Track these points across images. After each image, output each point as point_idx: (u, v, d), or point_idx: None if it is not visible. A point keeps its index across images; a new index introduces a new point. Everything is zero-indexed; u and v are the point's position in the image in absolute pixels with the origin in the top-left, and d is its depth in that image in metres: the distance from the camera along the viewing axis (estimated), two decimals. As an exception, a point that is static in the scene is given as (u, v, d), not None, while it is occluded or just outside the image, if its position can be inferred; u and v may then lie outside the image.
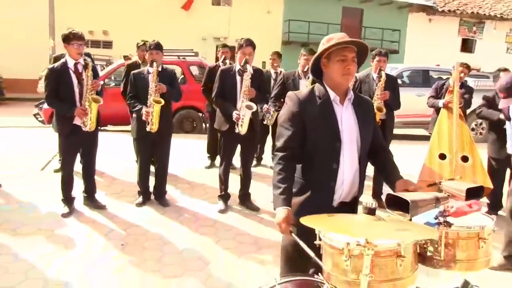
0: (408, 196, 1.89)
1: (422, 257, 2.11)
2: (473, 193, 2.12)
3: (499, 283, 3.93)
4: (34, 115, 10.70)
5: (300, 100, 2.50)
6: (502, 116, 5.04)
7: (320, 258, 2.07)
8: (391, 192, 2.05)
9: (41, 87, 15.11)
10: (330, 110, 2.47)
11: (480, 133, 11.17)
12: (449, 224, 2.01)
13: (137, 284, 3.62)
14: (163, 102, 4.97)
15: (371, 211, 1.73)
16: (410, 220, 2.04)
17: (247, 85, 4.95)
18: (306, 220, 1.79)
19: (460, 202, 2.10)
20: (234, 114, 4.95)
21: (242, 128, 4.97)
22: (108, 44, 21.39)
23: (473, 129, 11.09)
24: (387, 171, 2.56)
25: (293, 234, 2.21)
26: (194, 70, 10.79)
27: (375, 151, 2.62)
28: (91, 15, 20.07)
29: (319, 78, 2.55)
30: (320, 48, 2.48)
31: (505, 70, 5.30)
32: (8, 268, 3.76)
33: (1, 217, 4.77)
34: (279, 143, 2.52)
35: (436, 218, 2.02)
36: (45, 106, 9.89)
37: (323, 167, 2.48)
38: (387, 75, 5.68)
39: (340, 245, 1.89)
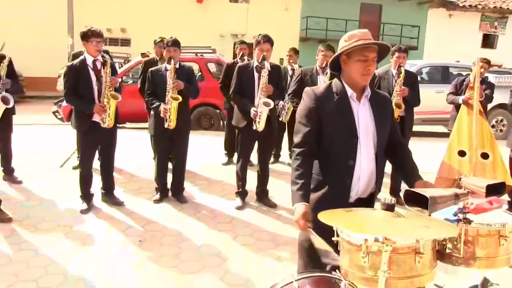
0: (427, 192, 1.86)
1: (441, 254, 2.08)
2: (494, 190, 2.08)
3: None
4: (53, 112, 10.86)
5: (317, 96, 2.48)
6: None
7: (338, 254, 2.06)
8: (410, 188, 2.03)
9: (60, 85, 15.27)
10: (347, 107, 2.45)
11: (501, 130, 10.99)
12: (468, 221, 1.98)
13: (155, 280, 3.64)
14: (180, 99, 4.99)
15: (389, 207, 1.71)
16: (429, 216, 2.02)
17: (264, 82, 4.95)
18: (324, 216, 1.78)
19: (480, 199, 2.06)
20: (252, 111, 4.95)
21: (259, 125, 4.96)
22: (126, 42, 21.57)
23: (493, 126, 10.92)
24: (405, 170, 2.53)
25: (311, 231, 2.20)
26: (212, 67, 10.80)
27: (393, 148, 2.59)
28: (109, 13, 20.27)
29: (337, 72, 2.53)
30: (341, 45, 2.46)
31: None
32: (29, 263, 3.82)
33: (22, 213, 4.85)
34: (296, 139, 2.51)
35: (455, 214, 1.99)
36: (64, 104, 10.01)
37: (340, 164, 2.46)
38: (406, 71, 5.62)
39: (358, 242, 1.88)
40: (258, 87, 5.00)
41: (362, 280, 1.92)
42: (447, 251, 2.07)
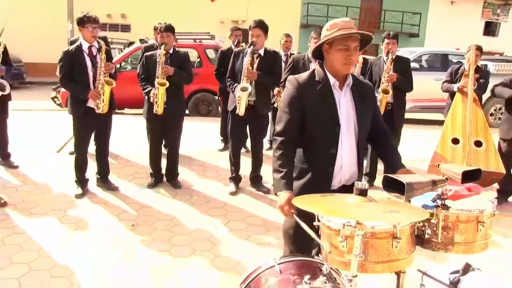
0: (404, 178, 1.89)
1: (421, 239, 2.11)
2: (470, 176, 2.10)
3: (504, 264, 3.91)
4: (52, 98, 10.88)
5: (300, 84, 2.50)
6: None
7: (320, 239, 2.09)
8: (389, 174, 2.05)
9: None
10: (330, 95, 2.47)
11: (499, 118, 10.97)
12: (446, 207, 2.00)
13: (146, 263, 3.68)
14: (167, 84, 4.98)
15: (362, 192, 1.74)
16: (409, 202, 2.05)
17: (246, 67, 4.96)
18: (298, 201, 1.81)
19: (459, 186, 2.09)
20: (236, 95, 4.98)
21: (239, 109, 4.99)
22: (126, 28, 21.51)
23: (491, 114, 10.93)
24: (388, 158, 2.56)
25: (295, 217, 2.23)
26: (210, 53, 10.78)
27: (376, 136, 2.62)
28: (109, -1, 20.19)
29: (320, 59, 2.54)
30: (323, 34, 2.46)
31: None
32: (22, 246, 3.87)
33: (18, 197, 4.90)
34: (278, 127, 2.53)
35: (434, 200, 2.01)
36: (63, 89, 10.05)
37: (322, 152, 2.49)
38: (399, 57, 5.66)
39: (337, 226, 1.91)
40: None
41: (341, 264, 1.95)
42: (426, 236, 2.10)
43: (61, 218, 4.45)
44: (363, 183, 1.76)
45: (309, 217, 2.09)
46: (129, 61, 10.81)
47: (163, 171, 5.57)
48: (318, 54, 2.50)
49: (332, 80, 2.46)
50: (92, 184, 5.25)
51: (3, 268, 3.49)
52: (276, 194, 2.42)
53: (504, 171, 5.09)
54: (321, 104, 2.44)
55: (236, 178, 5.43)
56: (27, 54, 18.02)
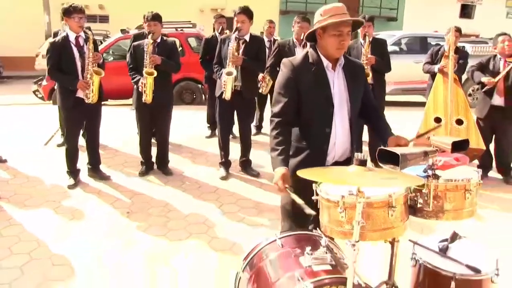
0: (398, 150, 2.01)
1: (413, 209, 2.26)
2: (458, 146, 2.25)
3: (486, 234, 4.11)
4: (34, 92, 10.78)
5: (294, 67, 2.59)
6: (483, 79, 5.33)
7: (317, 215, 2.21)
8: (384, 147, 2.17)
9: (38, 64, 15.13)
10: (324, 77, 2.57)
11: (477, 98, 11.20)
12: (437, 177, 2.14)
13: (143, 249, 3.77)
14: (155, 73, 5.03)
15: (362, 162, 1.86)
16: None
17: (231, 52, 5.04)
18: (303, 173, 1.92)
19: (447, 157, 2.22)
20: (222, 80, 5.07)
21: (225, 94, 5.08)
22: (104, 19, 21.24)
23: (470, 95, 11.16)
24: (379, 129, 2.68)
25: (289, 191, 2.33)
26: (192, 41, 10.78)
27: (368, 111, 2.74)
28: (86, -10, 19.89)
29: (313, 42, 2.64)
30: (317, 18, 2.55)
31: (504, 34, 5.39)
32: (20, 237, 3.92)
33: (10, 190, 4.93)
34: (275, 109, 2.63)
35: (425, 171, 2.15)
36: (44, 82, 9.97)
37: (317, 131, 2.60)
38: (375, 39, 5.80)
39: (335, 198, 2.03)
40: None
41: (340, 234, 2.08)
42: (419, 205, 2.24)
43: (55, 209, 4.50)
44: (363, 154, 1.88)
45: (307, 193, 2.21)
46: (110, 52, 10.74)
47: (153, 159, 5.63)
48: (312, 37, 2.60)
49: (325, 62, 2.57)
50: (84, 175, 5.29)
51: (4, 258, 3.55)
52: (274, 171, 2.52)
53: (484, 147, 5.30)
54: (316, 85, 2.55)
55: (226, 163, 5.53)
56: (3, 48, 17.75)
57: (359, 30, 5.75)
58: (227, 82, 5.02)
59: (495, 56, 5.46)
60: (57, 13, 18.96)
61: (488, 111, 5.41)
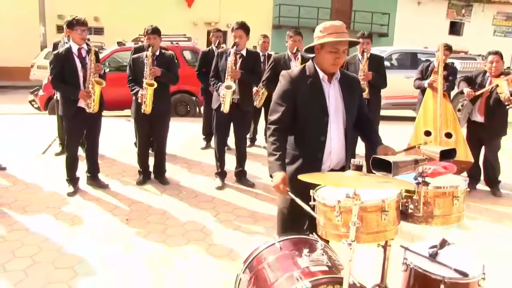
0: (390, 158, 2.17)
1: (404, 214, 2.40)
2: (446, 154, 2.42)
3: (474, 244, 4.27)
4: (30, 101, 10.87)
5: (292, 79, 2.77)
6: (465, 89, 5.58)
7: (312, 220, 2.36)
8: (377, 156, 2.33)
9: (33, 74, 15.23)
10: (319, 88, 2.75)
11: (465, 113, 11.47)
12: (426, 184, 2.29)
13: (144, 254, 3.88)
14: (155, 85, 5.17)
15: (358, 168, 2.01)
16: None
17: (230, 66, 5.20)
18: (304, 177, 2.06)
19: (436, 165, 2.38)
20: (220, 93, 5.21)
21: (224, 107, 5.23)
22: (99, 31, 21.41)
23: (459, 110, 11.41)
24: (371, 140, 2.87)
25: (290, 193, 2.48)
26: (187, 55, 10.96)
27: (361, 123, 2.92)
28: (81, 2, 20.06)
29: (311, 53, 2.81)
30: (316, 34, 2.71)
31: (495, 54, 5.58)
32: (23, 241, 4.01)
33: (11, 196, 5.02)
34: (272, 117, 2.81)
35: (415, 178, 2.30)
36: (41, 92, 10.07)
37: (312, 140, 2.77)
38: (372, 55, 6.01)
39: (332, 203, 2.17)
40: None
41: (336, 236, 2.21)
42: (410, 211, 2.39)
43: (56, 215, 4.60)
44: (359, 160, 2.03)
45: (303, 199, 2.37)
46: (106, 64, 10.85)
47: (150, 168, 5.75)
48: (311, 50, 2.77)
49: (321, 74, 2.74)
50: (82, 183, 5.39)
51: (7, 262, 3.64)
52: (271, 176, 2.67)
53: (472, 160, 5.49)
54: (312, 96, 2.72)
55: (221, 173, 5.66)
56: (-2, 58, 17.86)
57: (357, 47, 6.00)
58: (226, 95, 5.17)
59: (485, 72, 5.67)
60: (52, 24, 19.26)
61: (468, 125, 5.71)
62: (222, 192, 5.44)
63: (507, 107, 5.37)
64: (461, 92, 5.73)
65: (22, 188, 5.34)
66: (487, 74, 5.62)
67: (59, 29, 17.56)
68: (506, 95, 5.26)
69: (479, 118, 5.60)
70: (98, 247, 3.97)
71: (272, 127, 2.78)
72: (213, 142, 6.16)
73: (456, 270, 2.42)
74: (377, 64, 5.96)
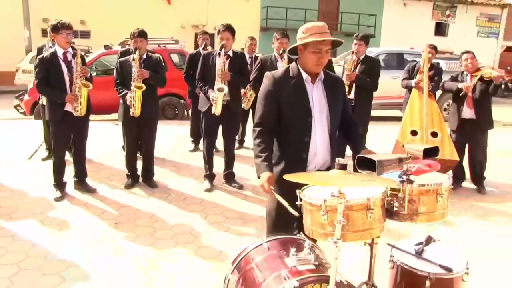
0: (375, 157, 2.19)
1: (390, 212, 2.43)
2: (430, 152, 2.45)
3: (459, 238, 4.37)
4: (15, 106, 10.76)
5: (275, 80, 2.79)
6: (460, 85, 5.61)
7: (300, 220, 2.38)
8: (362, 155, 2.36)
9: (18, 79, 15.09)
10: (302, 89, 2.77)
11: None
12: (411, 182, 2.32)
13: (133, 257, 3.87)
14: (144, 87, 5.17)
15: (343, 167, 2.03)
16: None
17: (220, 68, 5.20)
18: (289, 177, 2.08)
19: (421, 163, 2.41)
20: (211, 96, 5.21)
21: (216, 109, 5.23)
22: (86, 34, 21.29)
23: (445, 109, 11.53)
24: (353, 141, 2.91)
25: (275, 193, 2.49)
26: (175, 57, 10.95)
27: (344, 124, 2.95)
28: (67, 5, 19.94)
29: (295, 55, 2.83)
30: (299, 35, 2.74)
31: (468, 52, 5.77)
32: (8, 248, 3.97)
33: (-5, 203, 4.97)
34: (256, 119, 2.84)
35: (400, 176, 2.33)
36: (26, 97, 9.99)
37: (296, 140, 2.79)
38: (368, 57, 6.15)
39: (318, 202, 2.19)
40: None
41: (322, 235, 2.24)
42: (395, 209, 2.41)
43: (43, 220, 4.56)
44: (343, 159, 2.05)
45: (290, 199, 2.38)
46: (93, 67, 10.80)
47: (139, 172, 5.73)
48: (294, 51, 2.79)
49: (304, 75, 2.77)
50: (70, 188, 5.36)
51: (-7, 269, 3.61)
52: (259, 178, 2.68)
53: (457, 159, 5.56)
54: (295, 97, 2.75)
55: (210, 176, 5.66)
56: (-18, 63, 17.66)
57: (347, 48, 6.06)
58: (218, 97, 5.16)
59: (463, 72, 5.81)
60: (37, 28, 19.11)
61: (460, 124, 5.70)
62: (210, 194, 5.45)
63: (502, 85, 5.50)
64: (456, 91, 5.71)
65: (7, 194, 5.28)
66: (465, 72, 5.76)
67: (44, 33, 17.43)
68: (496, 74, 5.41)
69: (469, 114, 5.64)
70: (86, 252, 3.95)
71: (257, 129, 2.81)
72: (201, 145, 6.16)
73: (441, 266, 2.46)
74: (369, 67, 6.01)
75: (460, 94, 5.63)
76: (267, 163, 2.68)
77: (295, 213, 2.29)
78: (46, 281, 3.48)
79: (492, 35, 29.01)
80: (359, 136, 2.93)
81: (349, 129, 2.97)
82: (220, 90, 5.14)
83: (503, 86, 5.53)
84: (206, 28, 18.34)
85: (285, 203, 2.32)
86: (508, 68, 24.33)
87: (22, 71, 15.06)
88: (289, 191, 2.37)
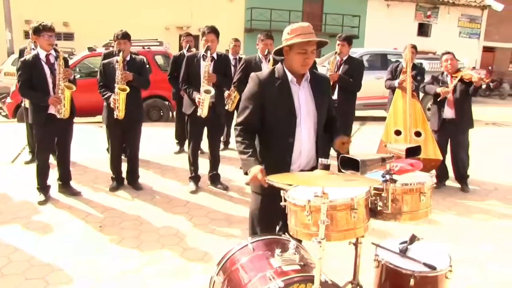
0: (358, 157, 2.21)
1: (374, 212, 2.45)
2: (412, 152, 2.48)
3: (443, 236, 4.44)
4: (-3, 109, 10.65)
5: (260, 81, 2.79)
6: (438, 89, 5.67)
7: (285, 220, 2.38)
8: (345, 155, 2.37)
9: (0, 81, 14.87)
10: (287, 90, 2.77)
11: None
12: (394, 181, 2.35)
13: (118, 260, 3.84)
14: (128, 89, 5.14)
15: (326, 167, 2.05)
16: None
17: (206, 70, 5.20)
18: (273, 177, 2.09)
19: (404, 162, 2.44)
20: (196, 98, 5.21)
21: (202, 112, 5.22)
22: (69, 36, 21.08)
23: (429, 109, 11.63)
24: (331, 131, 2.92)
25: (269, 181, 2.42)
26: (159, 59, 10.91)
27: (328, 121, 2.95)
28: (50, 7, 19.74)
29: (281, 56, 2.84)
30: (284, 36, 2.74)
31: (448, 53, 5.84)
32: (-10, 253, 3.92)
33: (-23, 207, 4.90)
34: (239, 119, 2.83)
35: (383, 176, 2.35)
36: (9, 100, 9.87)
37: (281, 141, 2.79)
38: (352, 58, 6.17)
39: (302, 203, 2.20)
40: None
41: (307, 235, 2.25)
42: (379, 208, 2.44)
43: (26, 224, 4.51)
44: (326, 160, 2.06)
45: (275, 200, 2.39)
46: (77, 69, 10.71)
47: (124, 174, 5.70)
48: (279, 53, 2.80)
49: (290, 76, 2.77)
50: (54, 191, 5.31)
51: (-25, 275, 3.55)
52: (246, 174, 2.68)
53: (441, 158, 5.63)
54: (280, 98, 2.75)
55: (195, 178, 5.65)
56: (-37, 65, 17.34)
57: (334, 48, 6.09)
58: (205, 99, 5.14)
59: (443, 72, 5.87)
60: (19, 29, 18.87)
61: (441, 124, 5.76)
62: (196, 196, 5.43)
63: (483, 86, 5.57)
64: (434, 94, 5.78)
65: (-10, 198, 5.22)
66: (445, 73, 5.83)
67: (26, 34, 17.21)
68: (476, 76, 5.50)
69: (450, 114, 5.71)
70: (71, 255, 3.91)
71: (239, 127, 2.81)
72: (186, 147, 6.14)
73: (425, 264, 2.50)
74: (352, 67, 6.04)
75: (438, 100, 5.72)
76: (254, 158, 2.66)
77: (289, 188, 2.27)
78: (30, 285, 3.44)
79: (474, 36, 29.44)
80: (337, 127, 2.94)
81: (329, 123, 2.96)
82: (207, 92, 5.13)
83: (484, 86, 5.60)
84: (190, 30, 18.37)
85: (282, 186, 2.30)
86: (490, 68, 24.74)
87: (4, 73, 14.82)
88: (273, 191, 2.38)
